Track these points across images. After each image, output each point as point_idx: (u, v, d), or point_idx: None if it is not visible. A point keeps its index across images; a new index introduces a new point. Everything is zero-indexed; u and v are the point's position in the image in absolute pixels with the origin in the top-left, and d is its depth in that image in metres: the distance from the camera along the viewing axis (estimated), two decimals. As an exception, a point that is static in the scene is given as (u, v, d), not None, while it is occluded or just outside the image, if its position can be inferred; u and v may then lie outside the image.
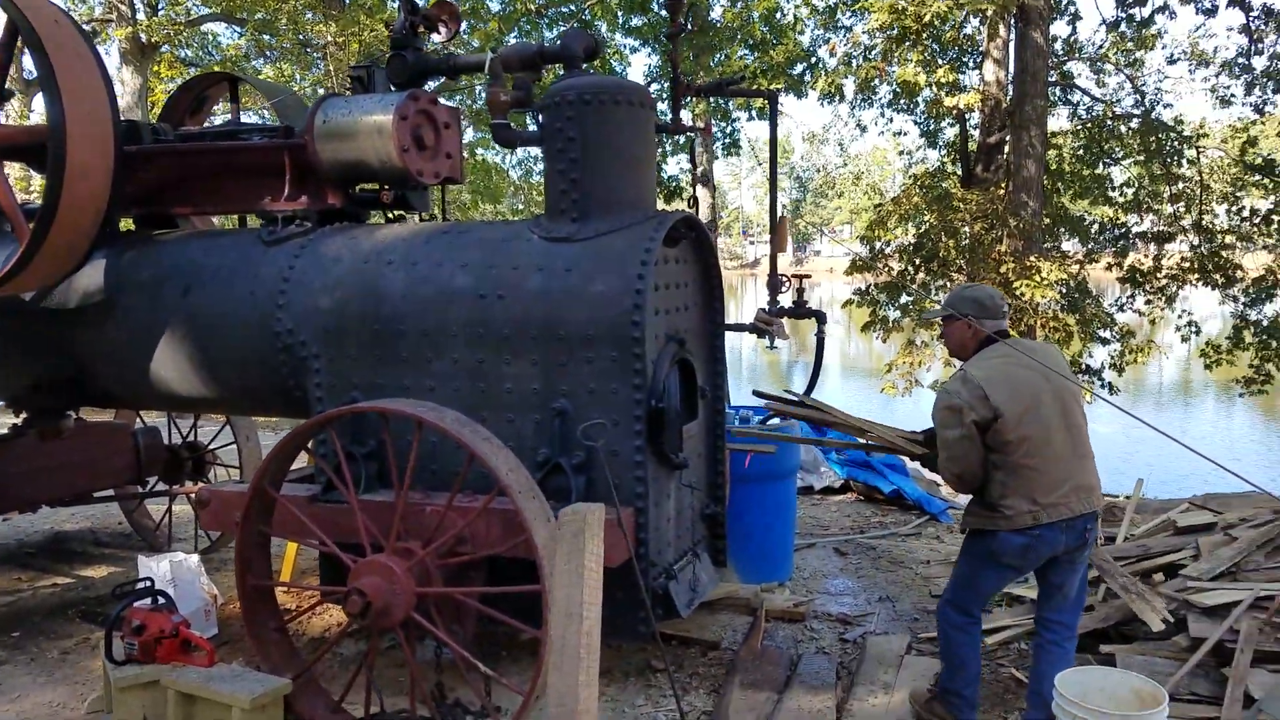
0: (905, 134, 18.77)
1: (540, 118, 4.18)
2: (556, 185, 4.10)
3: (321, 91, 13.56)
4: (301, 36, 15.10)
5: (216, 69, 13.07)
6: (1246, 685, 4.06)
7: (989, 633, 5.07)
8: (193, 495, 4.97)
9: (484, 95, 4.58)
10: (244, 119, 6.22)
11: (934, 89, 11.82)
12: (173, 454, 6.58)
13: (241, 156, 4.74)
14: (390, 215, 4.99)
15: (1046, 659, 3.93)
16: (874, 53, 12.01)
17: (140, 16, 15.41)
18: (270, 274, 4.47)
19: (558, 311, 3.89)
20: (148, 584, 4.07)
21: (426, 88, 4.82)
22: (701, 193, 15.07)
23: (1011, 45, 12.64)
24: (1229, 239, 13.75)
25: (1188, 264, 13.46)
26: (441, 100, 4.73)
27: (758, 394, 4.69)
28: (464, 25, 14.40)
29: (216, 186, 4.93)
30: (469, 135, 17.97)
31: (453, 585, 3.73)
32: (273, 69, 16.34)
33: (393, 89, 4.71)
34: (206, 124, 5.97)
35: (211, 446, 6.79)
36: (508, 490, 3.38)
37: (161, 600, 3.95)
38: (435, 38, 4.92)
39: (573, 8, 13.65)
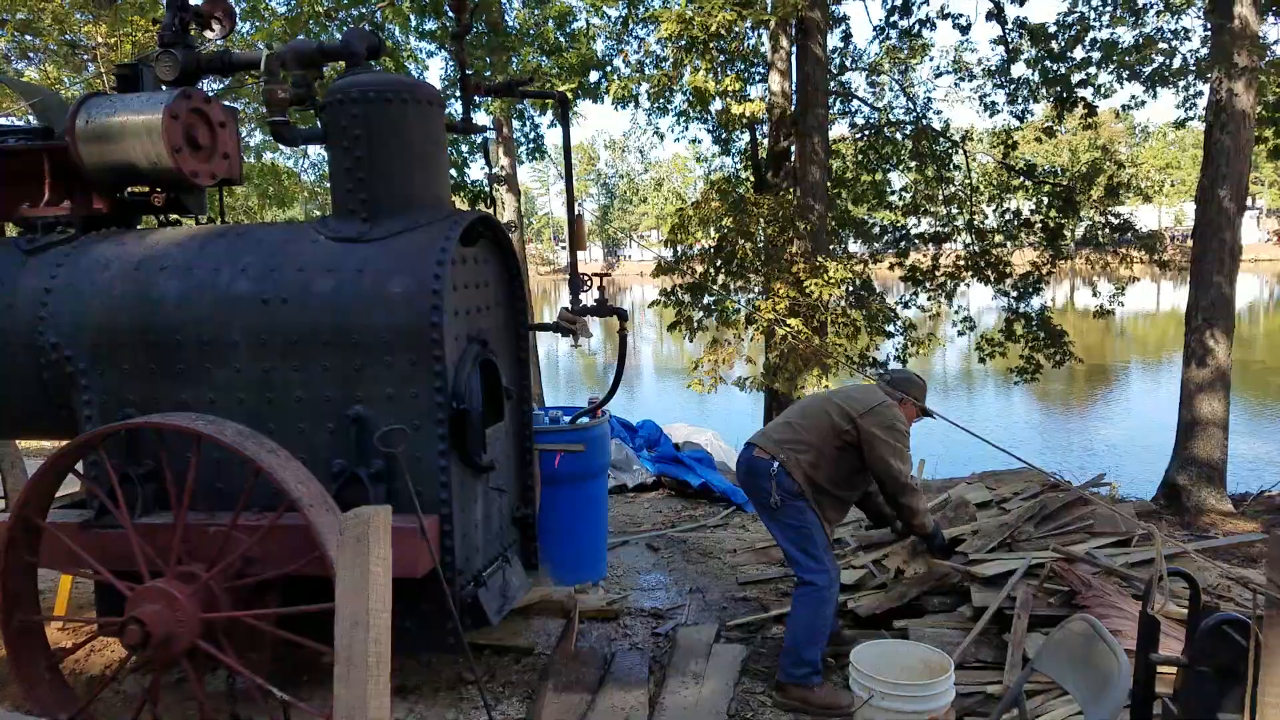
0: (700, 142, 19.31)
1: (323, 115, 4.02)
2: (343, 184, 3.96)
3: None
4: (69, 37, 14.01)
5: (-32, 71, 11.99)
6: (1024, 648, 4.37)
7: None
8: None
9: (262, 93, 4.36)
10: (2, 122, 5.71)
11: (723, 98, 12.21)
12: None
13: (-5, 161, 4.33)
14: (164, 219, 4.68)
15: None
16: (666, 62, 12.28)
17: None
18: (30, 285, 4.10)
19: (350, 315, 3.75)
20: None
21: (206, 89, 4.56)
22: (506, 196, 14.98)
23: (793, 57, 13.22)
24: (998, 238, 14.86)
25: (963, 262, 14.45)
26: (225, 103, 4.48)
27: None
28: (247, 26, 13.82)
29: (-31, 194, 4.50)
30: (256, 138, 17.15)
31: (244, 609, 3.53)
32: (37, 71, 15.07)
33: (163, 88, 4.43)
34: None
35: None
36: (297, 504, 3.23)
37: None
38: (209, 35, 4.66)
39: (363, 9, 13.26)
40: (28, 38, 14.42)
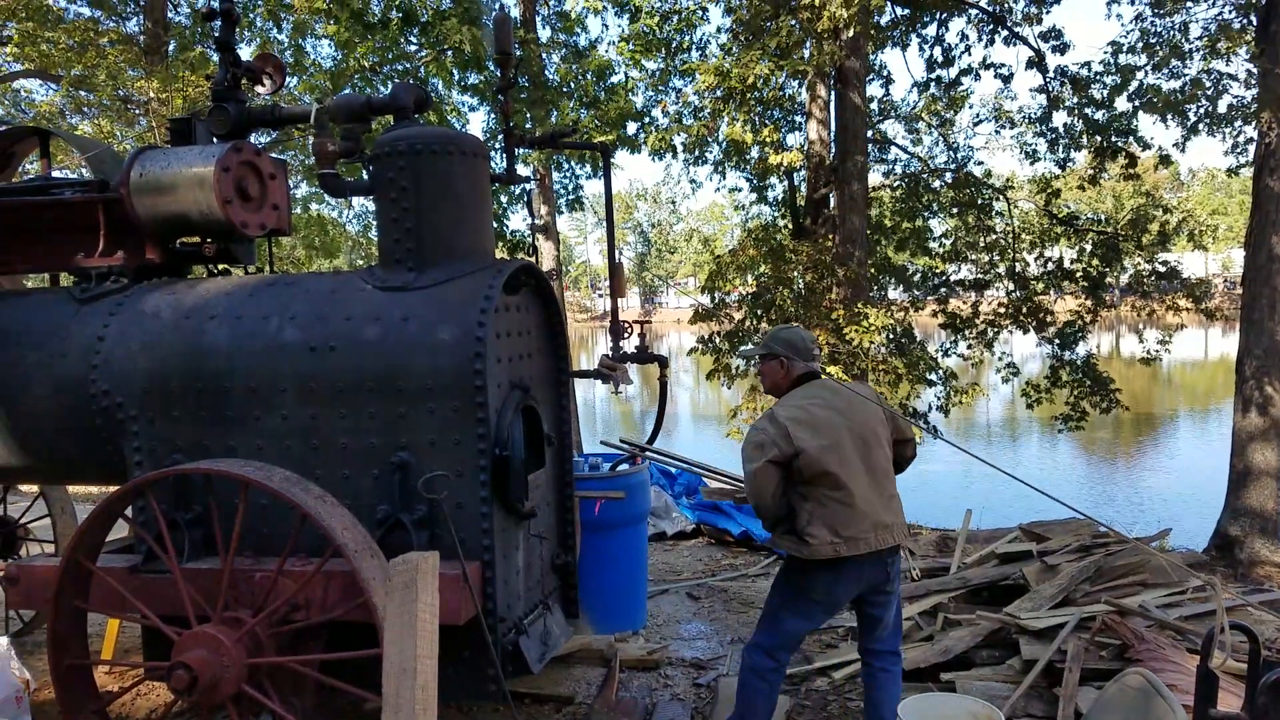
0: (740, 190, 19.46)
1: (371, 168, 4.11)
2: (390, 235, 4.03)
3: (144, 149, 12.99)
4: (122, 92, 14.47)
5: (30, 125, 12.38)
6: (1076, 703, 4.27)
7: (836, 667, 5.19)
8: (1, 573, 4.57)
9: (311, 147, 4.47)
10: (59, 175, 5.89)
11: (761, 148, 12.32)
12: (-21, 531, 6.05)
13: (53, 212, 4.46)
14: (214, 269, 4.79)
15: (879, 686, 4.07)
16: (704, 113, 12.43)
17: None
18: (83, 333, 4.20)
19: (396, 362, 3.79)
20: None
21: (255, 142, 4.68)
22: (545, 244, 15.13)
23: (832, 105, 13.32)
24: (1039, 286, 14.74)
25: (1003, 309, 14.35)
26: (273, 155, 4.59)
27: (605, 443, 4.73)
28: (293, 81, 14.17)
29: (26, 244, 4.63)
30: (302, 190, 17.51)
31: (289, 654, 3.54)
32: (92, 125, 15.56)
33: (215, 141, 4.55)
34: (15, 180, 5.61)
35: (23, 520, 6.28)
36: (343, 550, 3.24)
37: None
38: (260, 90, 4.80)
39: (407, 65, 13.56)
40: (82, 93, 14.90)
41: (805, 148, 13.70)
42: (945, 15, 13.86)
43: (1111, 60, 12.79)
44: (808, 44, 11.07)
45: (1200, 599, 5.31)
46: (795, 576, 3.96)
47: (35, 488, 6.19)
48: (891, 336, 13.28)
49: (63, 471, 4.66)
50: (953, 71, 14.47)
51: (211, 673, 3.27)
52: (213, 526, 3.66)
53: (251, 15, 14.74)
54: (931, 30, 14.33)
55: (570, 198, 16.60)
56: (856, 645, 4.30)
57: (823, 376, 4.22)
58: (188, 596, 3.44)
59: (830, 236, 13.19)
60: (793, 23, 10.75)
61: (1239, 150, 12.14)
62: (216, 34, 4.56)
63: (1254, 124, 10.09)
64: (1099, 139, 13.07)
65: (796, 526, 3.86)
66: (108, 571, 3.71)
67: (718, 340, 13.54)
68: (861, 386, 4.27)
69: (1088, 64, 12.99)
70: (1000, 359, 14.81)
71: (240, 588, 3.57)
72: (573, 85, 14.18)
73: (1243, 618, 5.17)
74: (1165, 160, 13.49)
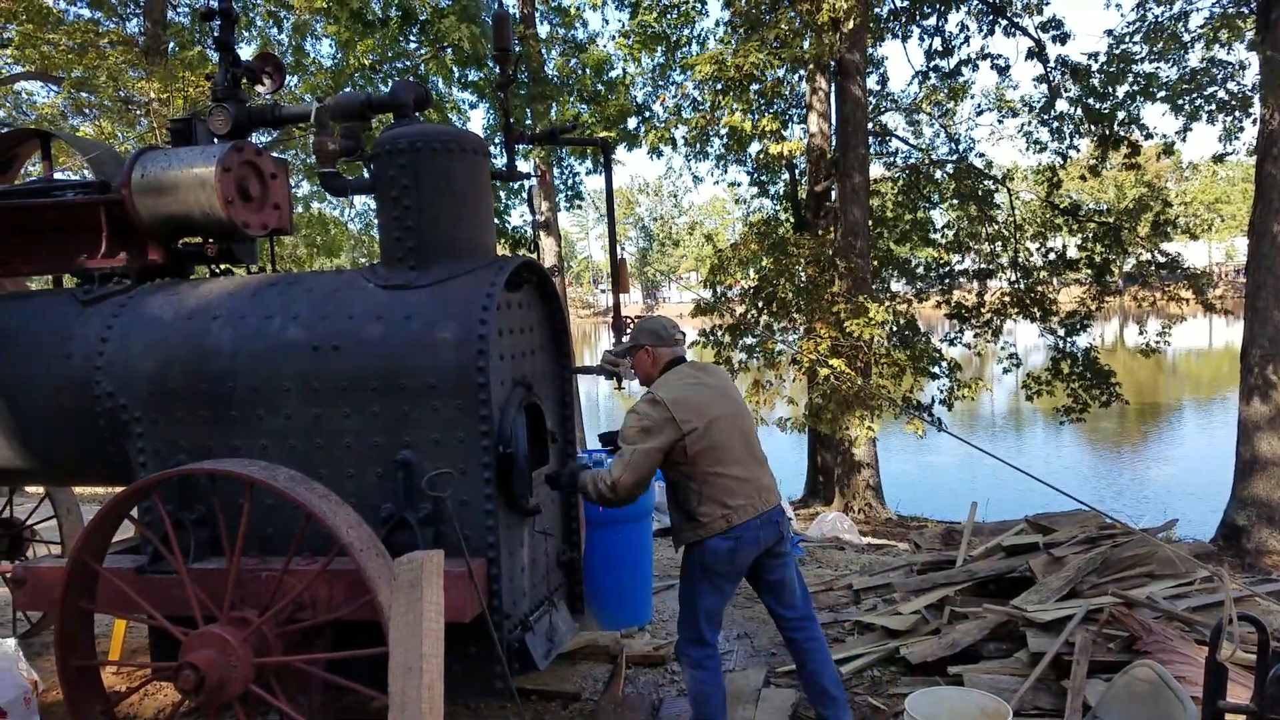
0: (739, 184, 19.46)
1: (371, 166, 4.10)
2: (391, 233, 4.02)
3: (146, 149, 12.99)
4: (123, 93, 14.46)
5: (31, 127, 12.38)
6: (1084, 695, 4.25)
7: (841, 662, 5.17)
8: (8, 574, 4.58)
9: (312, 146, 4.46)
10: (61, 176, 5.89)
11: (760, 139, 12.30)
12: (-14, 532, 6.07)
13: (54, 213, 4.46)
14: (216, 269, 4.79)
15: (811, 656, 4.16)
16: (703, 105, 12.42)
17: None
18: (87, 335, 4.20)
19: (399, 360, 3.78)
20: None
21: (256, 141, 4.68)
22: (547, 241, 15.13)
23: (832, 98, 13.29)
24: (1043, 274, 14.72)
25: (1008, 298, 14.33)
26: (273, 155, 4.59)
27: (602, 436, 4.73)
28: (293, 80, 14.16)
29: (29, 245, 4.63)
30: (303, 189, 17.50)
31: (295, 653, 3.54)
32: (93, 127, 15.57)
33: (215, 141, 4.55)
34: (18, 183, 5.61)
35: (29, 522, 6.29)
36: (348, 549, 3.24)
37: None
38: (260, 90, 4.79)
39: (407, 63, 13.55)
40: (83, 94, 14.90)
41: (806, 140, 13.68)
42: (944, 6, 13.83)
43: (1113, 49, 12.75)
44: (807, 36, 11.05)
45: (1208, 590, 5.29)
46: (697, 558, 4.06)
47: (41, 489, 6.21)
48: (895, 329, 13.27)
49: (67, 473, 4.67)
50: (952, 62, 14.45)
51: (218, 672, 3.27)
52: (218, 526, 3.67)
53: (251, 15, 14.73)
54: (931, 21, 14.30)
55: (571, 193, 16.59)
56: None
57: (687, 359, 4.34)
58: (194, 596, 3.44)
59: (832, 229, 13.17)
60: (792, 14, 10.73)
61: (1231, 137, 12.12)
62: (216, 34, 4.55)
63: (1250, 114, 10.06)
64: (1102, 127, 13.04)
65: (687, 509, 4.03)
66: (114, 572, 3.71)
67: (719, 334, 13.53)
68: (716, 366, 4.44)
69: (1094, 55, 12.95)
70: (1003, 349, 14.79)
71: (246, 587, 3.57)
72: (572, 81, 14.17)
73: (1251, 608, 5.15)
74: (1169, 149, 13.46)
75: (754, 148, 13.58)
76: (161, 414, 4.01)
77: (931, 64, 14.61)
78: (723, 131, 12.52)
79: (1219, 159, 12.58)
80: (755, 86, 11.40)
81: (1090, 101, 13.11)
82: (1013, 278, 14.73)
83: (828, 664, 4.16)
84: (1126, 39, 12.66)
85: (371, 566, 3.24)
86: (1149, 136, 13.34)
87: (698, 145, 14.19)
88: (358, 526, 3.38)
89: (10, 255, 4.68)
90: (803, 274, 12.85)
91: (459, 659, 3.80)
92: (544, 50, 14.36)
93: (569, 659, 5.05)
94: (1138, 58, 12.51)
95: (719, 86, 11.27)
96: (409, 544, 3.66)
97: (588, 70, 14.10)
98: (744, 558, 4.05)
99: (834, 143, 13.23)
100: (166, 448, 4.02)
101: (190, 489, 3.88)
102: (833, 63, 12.21)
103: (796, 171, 14.72)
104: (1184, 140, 13.23)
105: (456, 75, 14.35)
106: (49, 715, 4.72)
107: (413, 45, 13.94)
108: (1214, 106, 11.63)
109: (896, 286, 15.79)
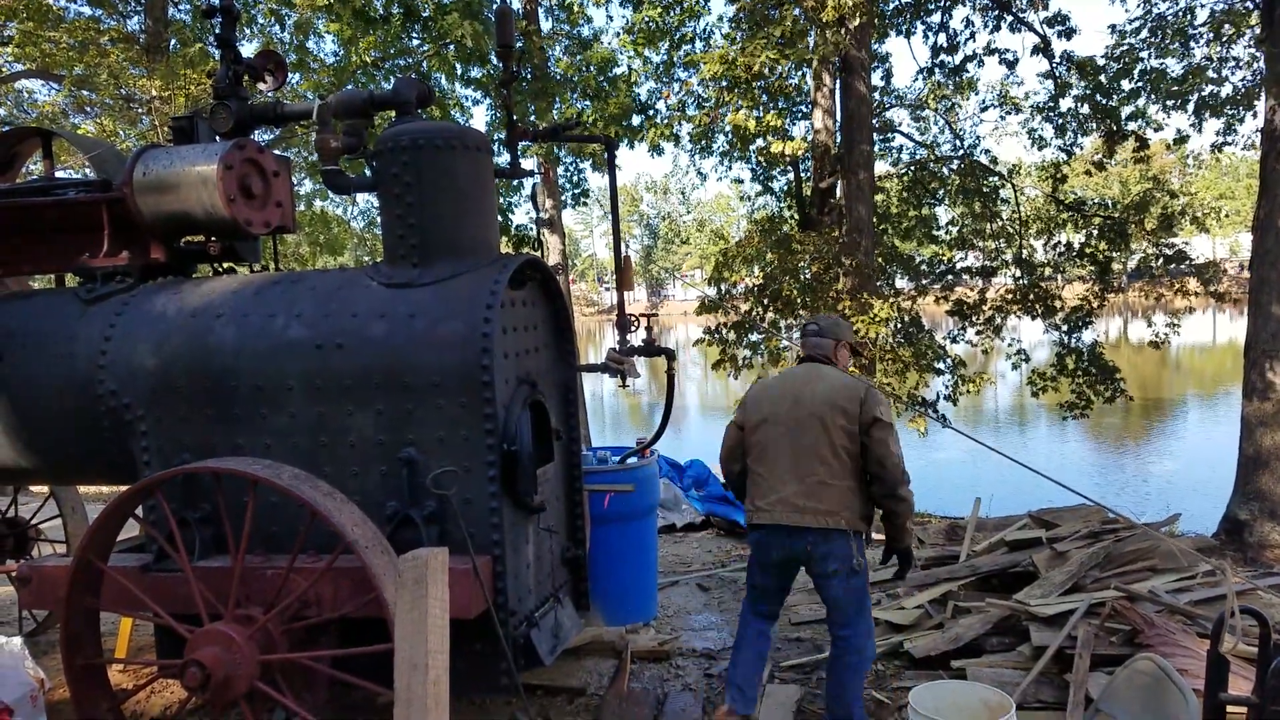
0: (742, 181, 19.47)
1: (374, 163, 4.10)
2: (394, 231, 4.03)
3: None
4: (124, 91, 14.46)
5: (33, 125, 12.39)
6: (1087, 688, 4.26)
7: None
8: (13, 573, 4.59)
9: (315, 143, 4.45)
10: (63, 175, 5.89)
11: (765, 137, 12.28)
12: (-10, 531, 6.08)
13: (56, 212, 4.46)
14: (219, 268, 4.79)
15: (829, 669, 4.27)
16: (708, 102, 12.40)
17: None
18: (90, 334, 4.21)
19: (403, 358, 3.79)
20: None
21: (258, 139, 4.68)
22: (551, 238, 15.11)
23: (837, 94, 13.26)
24: (1047, 271, 14.69)
25: (1011, 295, 14.30)
26: (276, 152, 4.59)
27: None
28: (296, 77, 14.16)
29: (30, 244, 4.63)
30: (306, 187, 17.50)
31: (301, 650, 3.55)
32: (94, 125, 15.58)
33: (217, 139, 4.55)
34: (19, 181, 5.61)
35: (34, 521, 6.31)
36: (353, 547, 3.25)
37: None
38: (261, 87, 4.79)
39: (409, 59, 13.54)
40: (84, 92, 14.90)
41: (810, 137, 13.65)
42: (949, 2, 13.80)
43: (1117, 46, 12.73)
44: (812, 33, 11.03)
45: (1210, 583, 5.30)
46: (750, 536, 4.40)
47: (46, 488, 6.22)
48: (899, 326, 13.25)
49: (71, 471, 4.68)
50: (957, 58, 14.42)
51: (224, 670, 3.29)
52: (223, 525, 3.68)
53: (253, 12, 14.72)
54: (936, 18, 14.27)
55: (577, 191, 16.57)
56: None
57: (820, 364, 4.38)
58: (199, 594, 3.45)
59: (837, 226, 13.15)
60: (797, 11, 10.71)
61: (1230, 129, 12.08)
62: (218, 31, 4.55)
63: (1254, 110, 10.03)
64: (1108, 122, 13.00)
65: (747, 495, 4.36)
66: (119, 571, 3.72)
67: (724, 331, 13.51)
68: (845, 379, 4.26)
69: (1094, 57, 12.91)
70: (1010, 344, 14.76)
71: (251, 585, 3.59)
72: (575, 78, 14.15)
73: (1252, 601, 5.15)
74: (1179, 141, 13.42)
75: (758, 144, 13.57)
76: (165, 412, 4.02)
77: (937, 60, 14.59)
78: (727, 129, 12.50)
79: (1218, 149, 12.55)
80: (760, 84, 11.38)
81: (1096, 97, 13.08)
82: (1016, 274, 14.70)
83: (835, 685, 4.17)
84: (1130, 34, 12.63)
85: (377, 564, 3.25)
86: (1158, 129, 13.30)
87: (702, 142, 14.17)
88: (362, 524, 3.39)
89: (12, 254, 4.68)
90: (807, 271, 12.84)
91: (464, 655, 3.81)
92: (546, 47, 14.34)
93: (574, 654, 5.06)
94: (1142, 54, 12.49)
95: (724, 83, 11.25)
96: (413, 541, 3.67)
97: (591, 68, 14.07)
98: (768, 556, 4.24)
99: (838, 139, 13.21)
100: (170, 446, 4.03)
101: (194, 487, 3.90)
102: (837, 59, 12.18)
103: (801, 168, 14.70)
104: (1200, 133, 13.20)
105: (459, 72, 14.33)
106: (55, 713, 4.73)
107: (415, 42, 13.93)
108: (1216, 103, 11.61)
109: (901, 283, 15.75)
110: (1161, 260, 13.96)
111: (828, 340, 4.42)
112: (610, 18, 60.16)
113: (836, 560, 4.11)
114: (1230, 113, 11.62)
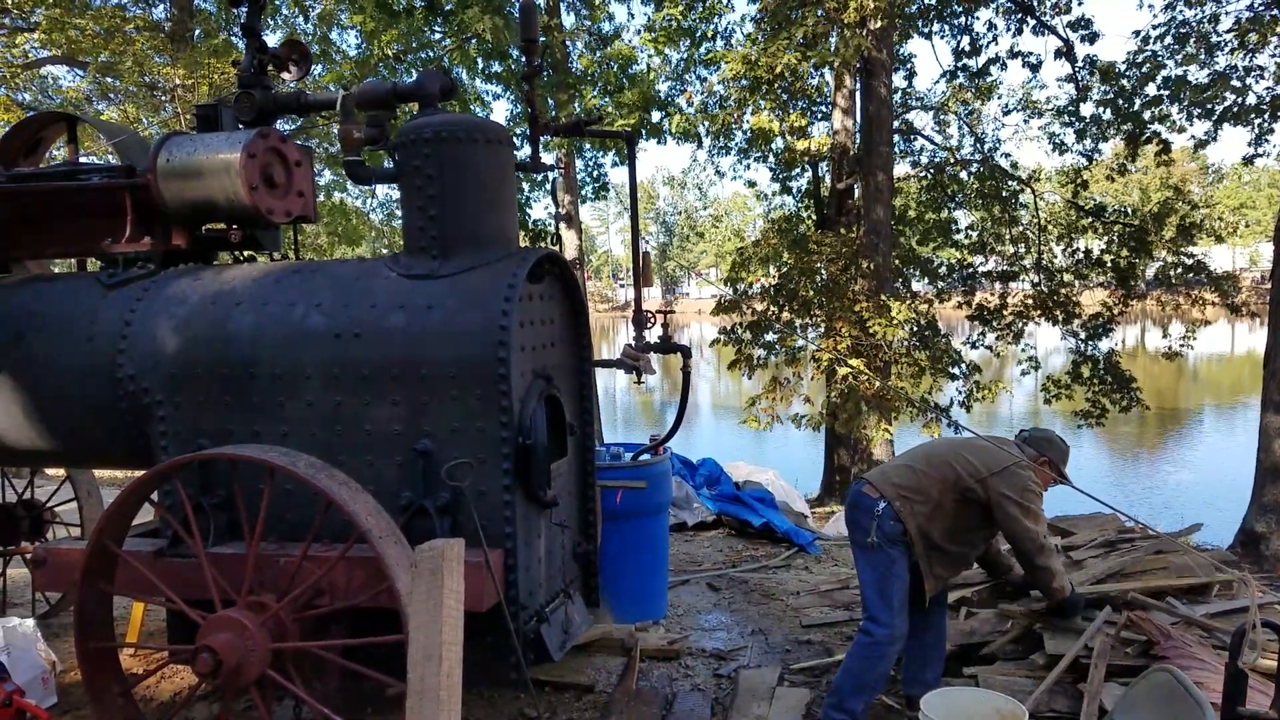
0: (755, 184, 19.47)
1: (396, 155, 4.10)
2: (414, 222, 4.02)
3: (169, 135, 13.07)
4: (148, 79, 14.55)
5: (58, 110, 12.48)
6: (1101, 699, 4.22)
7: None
8: (28, 555, 4.62)
9: (337, 134, 4.46)
10: (87, 160, 5.93)
11: (785, 137, 12.26)
12: (6, 512, 6.11)
13: (80, 197, 4.48)
14: (239, 255, 4.81)
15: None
16: (729, 101, 12.39)
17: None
18: (110, 318, 4.23)
19: (420, 350, 3.79)
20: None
21: (280, 129, 4.69)
22: (568, 234, 15.12)
23: (857, 95, 13.23)
24: (1067, 277, 14.61)
25: (1030, 300, 14.23)
26: (297, 143, 4.60)
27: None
28: (319, 68, 14.21)
29: (54, 229, 4.66)
30: (326, 177, 17.55)
31: (312, 639, 3.56)
32: (117, 111, 15.67)
33: (241, 127, 4.56)
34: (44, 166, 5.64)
35: (50, 504, 6.34)
36: (367, 536, 3.25)
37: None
38: (285, 77, 4.80)
39: (431, 54, 13.58)
40: (109, 79, 15.00)
41: (830, 138, 13.61)
42: (972, 4, 13.73)
43: (1141, 51, 12.64)
44: (834, 34, 10.99)
45: (1227, 595, 5.24)
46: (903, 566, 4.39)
47: (62, 471, 6.25)
48: (915, 329, 13.20)
49: (88, 455, 4.70)
50: (980, 61, 14.35)
51: (236, 657, 3.29)
52: (238, 511, 3.68)
53: (278, 3, 14.78)
54: (960, 21, 14.21)
55: (597, 185, 16.58)
56: None
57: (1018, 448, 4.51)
58: (213, 581, 3.46)
59: (854, 227, 13.12)
60: (819, 12, 10.68)
61: (1261, 140, 11.97)
62: (242, 20, 4.56)
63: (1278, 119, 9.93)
64: (1130, 126, 12.91)
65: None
66: (133, 555, 3.73)
67: (740, 331, 13.50)
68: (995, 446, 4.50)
69: (1129, 59, 12.83)
70: (1023, 351, 14.69)
71: (265, 572, 3.59)
72: (595, 74, 14.16)
73: (1271, 615, 5.10)
74: (1202, 144, 13.31)
75: (778, 144, 13.55)
76: (183, 398, 4.04)
77: (959, 63, 14.52)
78: (747, 129, 12.49)
79: (1248, 161, 12.46)
80: (782, 84, 11.35)
81: (1119, 101, 12.99)
82: (1036, 279, 14.62)
83: (844, 670, 4.26)
84: (1154, 39, 12.53)
85: (390, 554, 3.25)
86: (1180, 130, 13.18)
87: (721, 140, 14.14)
88: (377, 514, 3.39)
89: (35, 238, 4.71)
90: (824, 272, 12.81)
91: (475, 648, 3.80)
92: (568, 42, 14.35)
93: (583, 651, 5.05)
94: (1165, 61, 12.39)
95: (745, 84, 11.24)
96: (427, 532, 3.67)
97: (613, 65, 14.07)
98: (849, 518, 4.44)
99: (858, 140, 13.17)
100: (188, 432, 4.04)
101: (211, 473, 3.91)
102: (859, 61, 12.14)
103: (819, 169, 14.66)
104: (1205, 146, 13.07)
105: (480, 66, 14.36)
106: (67, 695, 4.76)
107: (437, 36, 13.97)
108: (1239, 110, 11.51)
109: (918, 286, 15.69)
110: (1180, 270, 13.87)
111: (1030, 450, 4.46)
112: (631, 15, 60.16)
113: (867, 542, 4.36)
114: (1259, 121, 11.50)
